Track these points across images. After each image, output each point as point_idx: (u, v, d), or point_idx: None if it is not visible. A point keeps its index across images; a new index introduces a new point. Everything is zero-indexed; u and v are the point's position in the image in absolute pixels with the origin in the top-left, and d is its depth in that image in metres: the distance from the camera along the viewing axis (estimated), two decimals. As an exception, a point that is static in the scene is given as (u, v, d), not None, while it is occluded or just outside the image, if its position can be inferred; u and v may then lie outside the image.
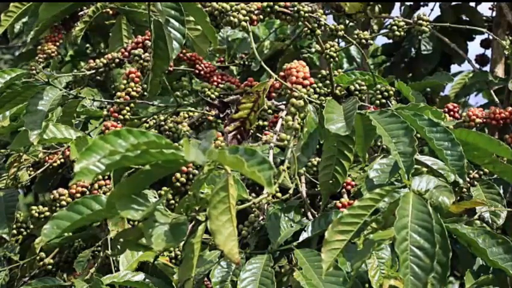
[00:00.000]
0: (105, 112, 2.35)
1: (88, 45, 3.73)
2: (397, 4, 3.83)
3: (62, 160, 2.49)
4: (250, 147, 1.53)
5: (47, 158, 2.50)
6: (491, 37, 3.21)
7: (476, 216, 2.15)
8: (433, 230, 1.52)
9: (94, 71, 2.55)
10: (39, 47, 2.93)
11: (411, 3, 3.85)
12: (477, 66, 3.48)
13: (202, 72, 2.70)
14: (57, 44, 2.97)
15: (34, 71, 2.28)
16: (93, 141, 1.39)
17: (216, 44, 2.41)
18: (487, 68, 3.46)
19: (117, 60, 2.55)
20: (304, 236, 1.91)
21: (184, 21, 2.06)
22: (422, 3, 3.82)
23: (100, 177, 2.17)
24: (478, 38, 3.78)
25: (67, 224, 1.53)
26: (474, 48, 10.82)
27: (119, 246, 1.72)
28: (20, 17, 2.94)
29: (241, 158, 1.37)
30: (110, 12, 3.05)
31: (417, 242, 1.50)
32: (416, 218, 1.54)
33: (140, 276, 1.84)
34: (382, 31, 3.56)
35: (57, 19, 2.96)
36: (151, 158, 1.42)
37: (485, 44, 3.76)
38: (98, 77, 2.61)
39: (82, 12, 3.00)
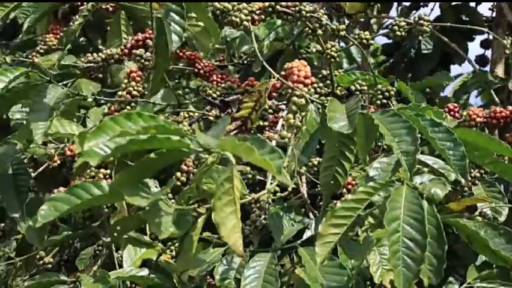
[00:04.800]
0: (105, 110, 2.35)
1: (85, 40, 3.72)
2: (394, 5, 3.85)
3: (62, 159, 2.49)
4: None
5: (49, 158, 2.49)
6: (491, 37, 3.22)
7: (477, 213, 2.16)
8: (425, 222, 1.53)
9: (91, 64, 2.55)
10: (41, 38, 2.93)
11: (410, 3, 3.86)
12: (477, 66, 3.49)
13: (201, 71, 2.71)
14: (58, 36, 2.97)
15: (35, 69, 2.28)
16: (103, 122, 1.40)
17: (218, 39, 2.41)
18: (487, 69, 3.47)
19: (116, 56, 2.55)
20: (308, 234, 1.92)
21: (184, 14, 2.06)
22: (421, 3, 3.83)
23: (101, 175, 2.17)
24: (478, 39, 3.79)
25: (65, 207, 1.50)
26: (474, 48, 10.80)
27: (115, 234, 1.73)
28: (15, 8, 2.95)
29: (252, 146, 1.38)
30: (110, 8, 3.05)
31: (409, 233, 1.53)
32: (408, 209, 1.56)
33: (144, 272, 1.86)
34: (382, 31, 3.58)
35: (56, 8, 2.96)
36: (158, 144, 1.43)
37: (485, 44, 3.77)
38: (97, 74, 2.61)
39: (82, 7, 3.00)
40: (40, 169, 2.47)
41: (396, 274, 1.49)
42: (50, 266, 2.36)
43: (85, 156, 1.38)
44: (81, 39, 3.45)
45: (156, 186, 1.53)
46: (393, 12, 3.88)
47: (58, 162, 2.48)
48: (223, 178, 1.40)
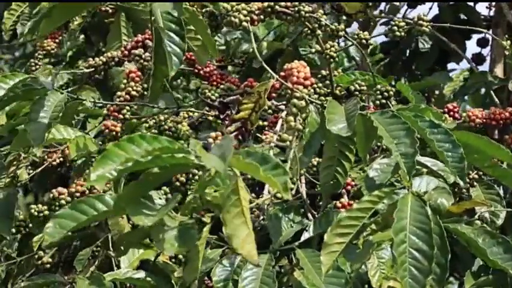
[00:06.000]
0: (105, 111, 2.35)
1: (87, 44, 3.73)
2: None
3: (62, 159, 2.49)
4: (255, 148, 1.52)
5: (46, 157, 2.49)
6: (488, 36, 3.22)
7: (476, 217, 2.16)
8: (431, 232, 1.53)
9: (93, 69, 2.55)
10: (39, 44, 2.93)
11: (407, 2, 3.86)
12: (474, 65, 3.49)
13: (201, 72, 2.71)
14: (57, 40, 2.97)
15: (35, 75, 2.27)
16: (108, 149, 1.39)
17: (216, 55, 2.39)
18: (483, 67, 3.48)
19: (116, 59, 2.55)
20: (306, 235, 1.92)
21: (184, 35, 2.02)
22: (419, 2, 3.83)
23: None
24: (475, 37, 3.79)
25: (71, 224, 1.52)
26: (470, 46, 10.80)
27: (122, 248, 1.72)
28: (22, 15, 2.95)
29: (256, 164, 1.37)
30: (110, 10, 3.05)
31: (415, 244, 1.52)
32: (414, 220, 1.55)
33: (141, 274, 1.85)
34: (379, 28, 3.58)
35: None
36: (161, 163, 1.42)
37: (482, 42, 3.76)
38: (97, 76, 2.61)
39: (80, 8, 2.99)
40: (39, 169, 2.46)
41: (403, 285, 1.49)
42: (48, 266, 2.36)
43: (93, 183, 1.38)
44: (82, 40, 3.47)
45: (160, 198, 1.52)
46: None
47: (57, 161, 2.48)
48: (228, 191, 1.39)
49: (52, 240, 1.49)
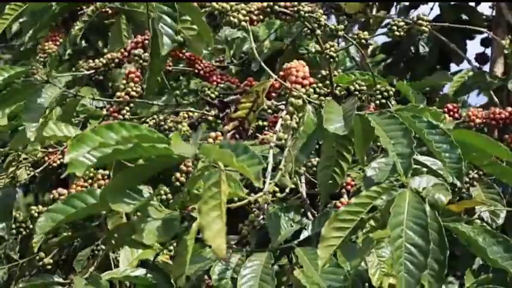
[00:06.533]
0: (105, 112, 2.35)
1: (86, 44, 3.73)
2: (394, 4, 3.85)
3: (62, 160, 2.49)
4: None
5: (46, 157, 2.50)
6: (491, 36, 3.21)
7: (475, 216, 2.16)
8: (428, 228, 1.53)
9: (93, 71, 2.55)
10: (40, 46, 2.94)
11: (409, 2, 3.86)
12: (476, 65, 3.49)
13: (201, 72, 2.71)
14: (58, 43, 2.97)
15: (34, 70, 2.28)
16: (84, 133, 1.41)
17: (212, 44, 2.40)
18: (486, 67, 3.47)
19: (117, 60, 2.55)
20: (305, 234, 1.92)
21: (176, 17, 2.06)
22: (421, 2, 3.83)
23: (100, 176, 2.18)
24: (478, 37, 3.79)
25: (61, 217, 1.56)
26: (473, 46, 10.82)
27: (113, 242, 1.73)
28: (17, 17, 2.95)
29: (230, 152, 1.38)
30: (110, 11, 3.06)
31: (411, 239, 1.52)
32: (411, 215, 1.55)
33: (139, 272, 1.84)
34: (380, 30, 3.58)
35: (56, 17, 2.96)
36: (143, 153, 1.43)
37: (485, 42, 3.76)
38: (97, 76, 2.61)
39: (81, 12, 3.00)
40: (38, 170, 2.47)
41: (398, 280, 1.49)
42: (49, 267, 2.36)
43: (70, 167, 1.39)
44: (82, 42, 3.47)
45: (150, 192, 1.53)
46: (393, 11, 3.88)
47: (57, 162, 2.49)
48: (210, 182, 1.40)
49: (42, 232, 1.51)
